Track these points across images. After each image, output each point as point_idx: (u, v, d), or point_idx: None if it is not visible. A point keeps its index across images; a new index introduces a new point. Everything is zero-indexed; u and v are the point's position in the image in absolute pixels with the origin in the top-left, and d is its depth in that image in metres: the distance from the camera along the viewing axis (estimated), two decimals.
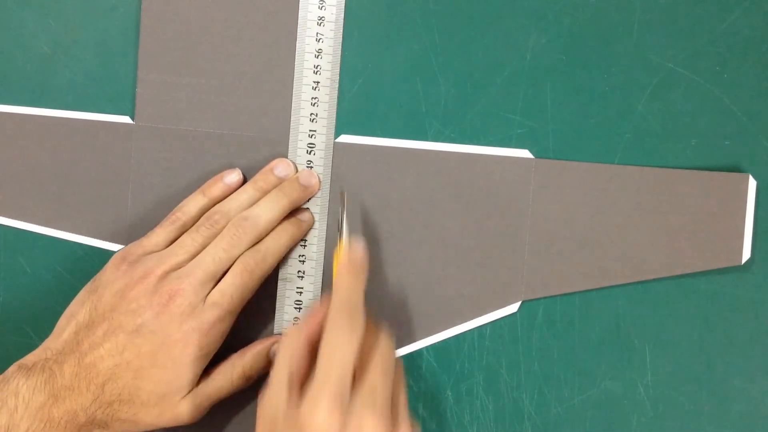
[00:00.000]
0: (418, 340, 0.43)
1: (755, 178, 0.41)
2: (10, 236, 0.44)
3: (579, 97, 0.42)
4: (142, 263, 0.38)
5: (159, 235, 0.40)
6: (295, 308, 0.43)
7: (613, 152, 0.42)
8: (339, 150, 0.43)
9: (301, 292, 0.43)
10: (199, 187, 0.42)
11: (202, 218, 0.40)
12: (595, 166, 0.42)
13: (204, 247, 0.39)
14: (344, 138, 0.43)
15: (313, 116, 0.43)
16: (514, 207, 0.42)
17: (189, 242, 0.39)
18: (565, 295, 0.42)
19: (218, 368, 0.40)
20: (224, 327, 0.39)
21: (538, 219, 0.42)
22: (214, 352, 0.40)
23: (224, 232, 0.39)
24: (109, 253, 0.43)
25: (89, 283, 0.39)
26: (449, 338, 0.43)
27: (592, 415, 0.43)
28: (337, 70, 0.43)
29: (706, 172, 0.42)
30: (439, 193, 0.43)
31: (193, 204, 0.41)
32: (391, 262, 0.43)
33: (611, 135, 0.42)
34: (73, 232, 0.44)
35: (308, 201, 0.43)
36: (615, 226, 0.42)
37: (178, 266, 0.39)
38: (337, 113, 0.43)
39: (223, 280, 0.39)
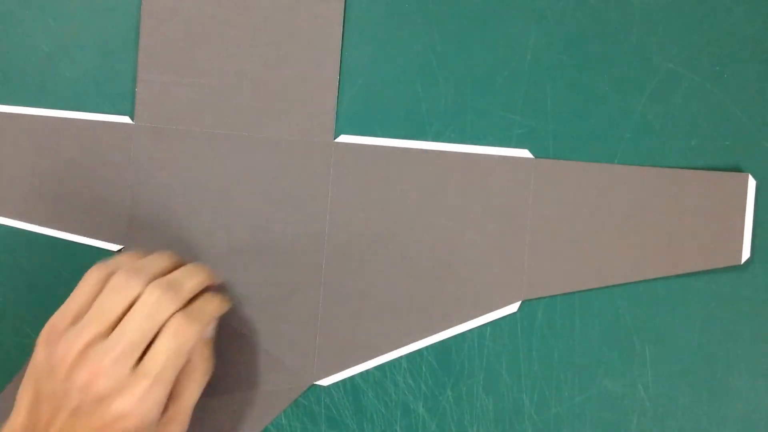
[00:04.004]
0: (418, 340, 0.43)
1: (755, 178, 0.41)
2: (10, 236, 0.44)
3: (579, 97, 0.42)
4: (64, 341, 0.36)
5: (82, 293, 0.38)
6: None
7: (613, 152, 0.42)
8: (339, 150, 0.43)
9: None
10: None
11: (117, 274, 0.38)
12: (595, 166, 0.42)
13: (127, 307, 0.37)
14: (344, 138, 0.43)
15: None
16: (514, 207, 0.42)
17: (108, 305, 0.37)
18: (565, 295, 0.42)
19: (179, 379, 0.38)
20: (161, 393, 0.36)
21: (538, 219, 0.42)
22: (161, 414, 0.37)
23: (145, 296, 0.37)
24: (109, 254, 0.43)
25: (29, 363, 0.38)
26: (449, 338, 0.43)
27: (592, 415, 0.42)
28: (337, 70, 0.43)
29: (706, 172, 0.42)
30: (439, 193, 0.43)
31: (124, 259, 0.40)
32: (391, 262, 0.43)
33: (611, 135, 0.42)
34: (73, 232, 0.44)
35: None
36: (615, 226, 0.42)
37: (100, 336, 0.36)
38: (337, 113, 0.43)
39: (154, 344, 0.37)
